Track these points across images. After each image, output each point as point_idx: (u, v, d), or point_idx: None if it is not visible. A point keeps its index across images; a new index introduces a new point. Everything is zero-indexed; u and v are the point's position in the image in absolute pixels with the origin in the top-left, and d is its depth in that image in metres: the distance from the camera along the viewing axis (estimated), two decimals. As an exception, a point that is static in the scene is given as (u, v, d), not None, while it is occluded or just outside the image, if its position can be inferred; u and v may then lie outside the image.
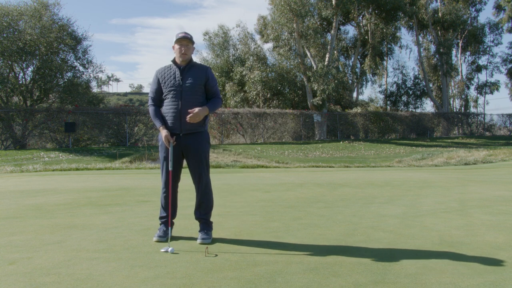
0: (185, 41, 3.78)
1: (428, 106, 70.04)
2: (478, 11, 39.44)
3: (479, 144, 27.28)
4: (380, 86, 43.97)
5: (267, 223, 4.58)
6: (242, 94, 31.15)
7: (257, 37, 35.16)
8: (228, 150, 17.19)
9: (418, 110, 40.46)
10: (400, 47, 41.81)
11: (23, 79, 21.14)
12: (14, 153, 15.52)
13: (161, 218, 3.90)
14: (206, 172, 3.86)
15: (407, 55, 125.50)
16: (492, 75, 56.82)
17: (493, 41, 40.22)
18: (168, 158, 3.75)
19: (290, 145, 22.16)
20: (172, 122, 3.74)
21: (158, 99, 3.87)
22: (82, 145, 19.20)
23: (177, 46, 3.79)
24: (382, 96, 43.56)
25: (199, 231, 3.84)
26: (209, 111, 3.77)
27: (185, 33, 3.82)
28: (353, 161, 16.37)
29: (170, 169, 3.74)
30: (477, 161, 16.59)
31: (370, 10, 32.27)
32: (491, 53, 40.66)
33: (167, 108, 3.77)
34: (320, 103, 26.93)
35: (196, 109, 3.66)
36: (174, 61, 3.86)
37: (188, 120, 3.65)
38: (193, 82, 3.76)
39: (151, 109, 3.87)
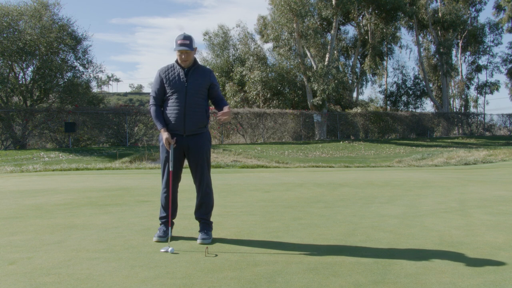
0: (184, 50, 3.69)
1: (428, 106, 69.96)
2: (478, 11, 39.45)
3: (479, 144, 27.27)
4: (380, 86, 44.00)
5: (267, 223, 4.58)
6: (242, 94, 31.13)
7: (257, 37, 35.19)
8: (228, 150, 17.19)
9: (418, 110, 40.43)
10: (400, 47, 41.84)
11: (23, 79, 21.12)
12: (14, 153, 15.52)
13: (161, 218, 3.90)
14: (207, 172, 3.86)
15: (407, 55, 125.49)
16: (492, 75, 56.78)
17: (493, 41, 40.19)
18: (169, 158, 3.74)
19: (290, 145, 22.15)
20: (175, 123, 3.72)
21: (160, 99, 3.83)
22: (82, 145, 19.19)
23: (177, 53, 3.74)
24: (382, 96, 43.57)
25: (199, 231, 3.84)
26: None
27: (184, 39, 3.67)
28: (353, 161, 16.37)
29: (170, 169, 3.75)
30: (477, 161, 16.59)
31: (370, 10, 32.26)
32: (491, 53, 40.62)
33: (171, 109, 3.74)
34: (320, 103, 26.92)
35: (226, 108, 3.72)
36: (177, 61, 3.81)
37: (222, 119, 3.72)
38: (198, 84, 3.75)
39: (152, 109, 3.82)
